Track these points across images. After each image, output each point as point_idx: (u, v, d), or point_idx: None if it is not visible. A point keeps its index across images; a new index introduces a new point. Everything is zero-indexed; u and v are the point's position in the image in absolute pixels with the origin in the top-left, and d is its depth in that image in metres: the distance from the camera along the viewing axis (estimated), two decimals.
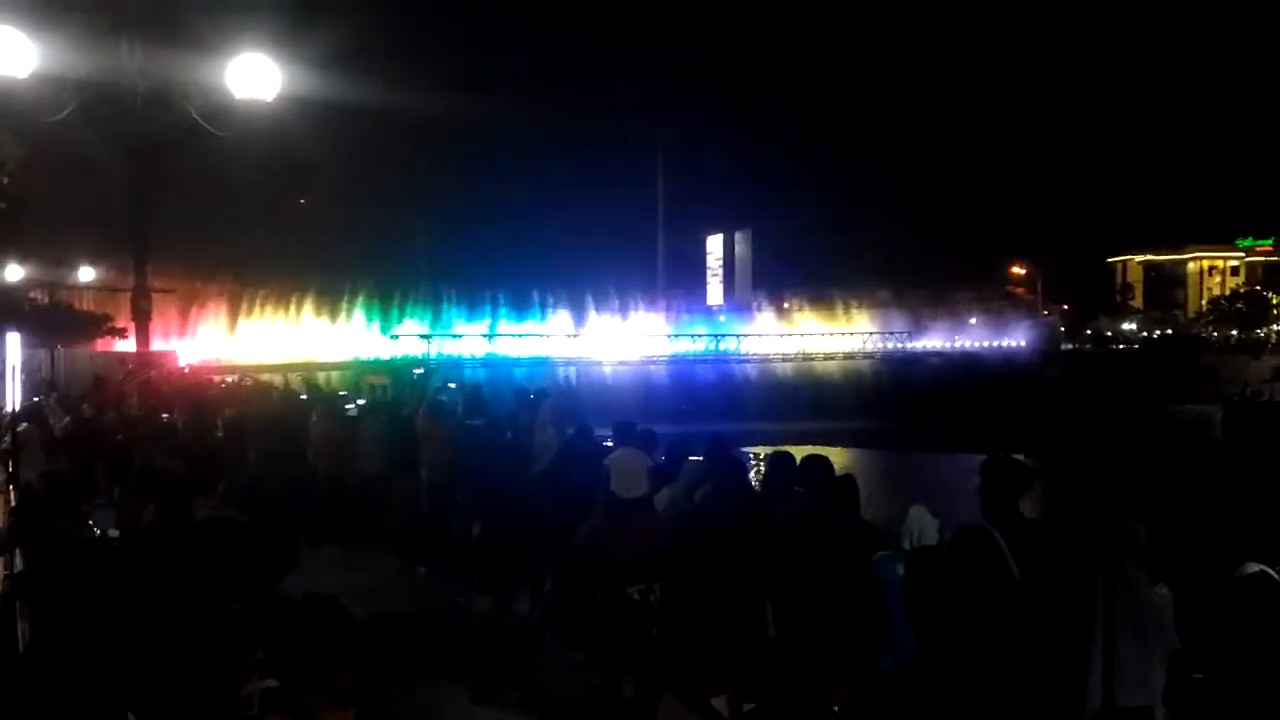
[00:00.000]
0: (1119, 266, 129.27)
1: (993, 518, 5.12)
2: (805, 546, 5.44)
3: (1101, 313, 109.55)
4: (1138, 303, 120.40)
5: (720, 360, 68.78)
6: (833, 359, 68.95)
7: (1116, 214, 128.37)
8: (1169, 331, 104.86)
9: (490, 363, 61.67)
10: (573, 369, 61.13)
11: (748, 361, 68.44)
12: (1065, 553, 4.90)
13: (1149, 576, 4.65)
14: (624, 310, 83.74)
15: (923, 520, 5.68)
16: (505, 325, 76.35)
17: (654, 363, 66.21)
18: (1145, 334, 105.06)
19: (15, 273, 23.26)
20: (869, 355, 70.39)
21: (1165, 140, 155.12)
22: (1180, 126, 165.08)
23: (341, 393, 22.96)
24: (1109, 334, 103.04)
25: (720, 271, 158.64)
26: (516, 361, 62.71)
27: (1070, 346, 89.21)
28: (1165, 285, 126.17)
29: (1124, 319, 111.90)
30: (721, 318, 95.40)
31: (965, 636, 4.68)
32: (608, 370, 62.58)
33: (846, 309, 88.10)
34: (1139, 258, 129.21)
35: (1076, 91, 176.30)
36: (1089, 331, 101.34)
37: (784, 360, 68.62)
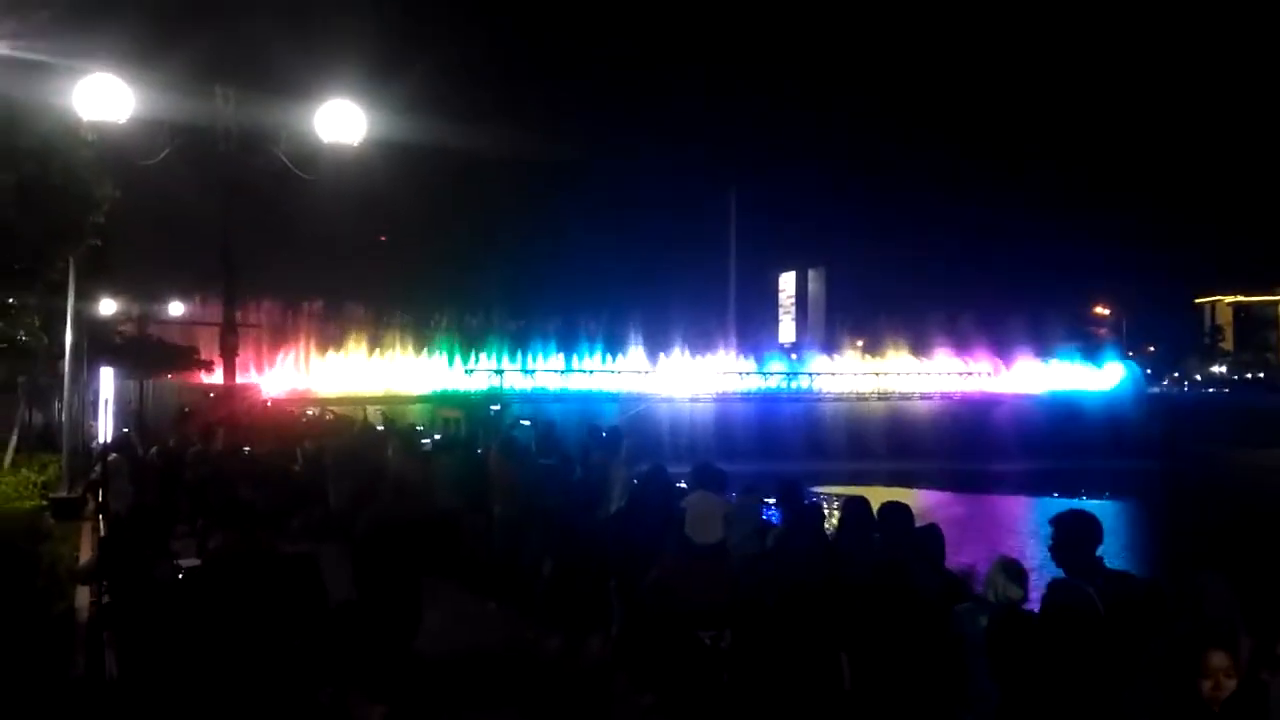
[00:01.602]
0: (1208, 308, 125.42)
1: (1075, 572, 4.94)
2: (884, 597, 5.32)
3: (1190, 355, 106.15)
4: (1227, 345, 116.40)
5: (793, 398, 68.13)
6: (908, 399, 67.83)
7: (1205, 253, 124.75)
8: (1260, 375, 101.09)
9: (563, 398, 62.02)
10: (644, 405, 61.14)
11: (821, 400, 67.66)
12: (1157, 612, 4.71)
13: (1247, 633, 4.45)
14: (695, 347, 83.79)
15: (1006, 572, 5.49)
16: (578, 361, 76.89)
17: (725, 400, 65.90)
18: (1235, 377, 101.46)
19: (108, 307, 24.12)
20: (946, 395, 69.09)
21: (1257, 178, 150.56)
22: (1273, 164, 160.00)
23: (418, 427, 23.31)
24: (1197, 377, 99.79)
25: (793, 309, 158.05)
26: (589, 397, 62.94)
27: (1156, 390, 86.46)
28: (1256, 327, 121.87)
29: (1213, 362, 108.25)
30: (794, 355, 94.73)
31: (1056, 695, 4.50)
32: (678, 407, 62.40)
33: (921, 348, 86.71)
34: (1228, 298, 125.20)
35: (1164, 128, 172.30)
36: (1176, 374, 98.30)
37: (859, 399, 67.71)
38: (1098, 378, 79.34)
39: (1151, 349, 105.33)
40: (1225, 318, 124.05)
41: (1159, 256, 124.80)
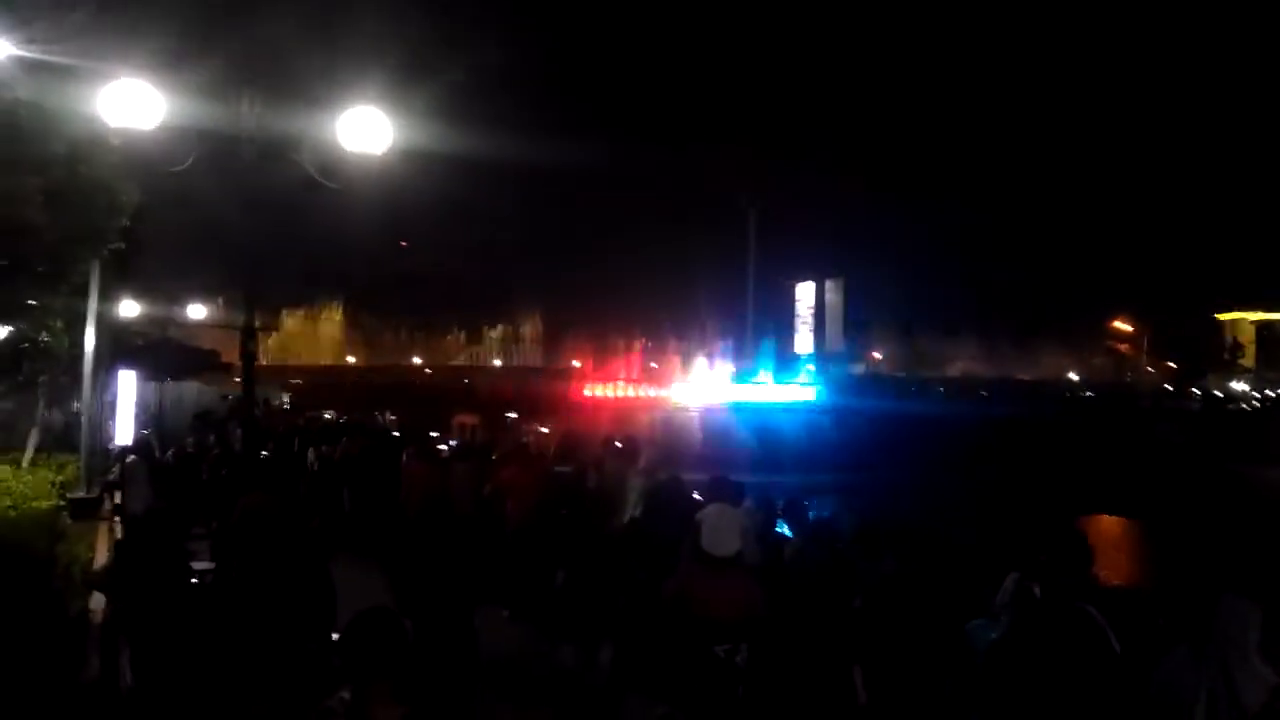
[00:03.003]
0: (1228, 324, 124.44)
1: (1075, 593, 4.75)
2: (898, 611, 5.30)
3: (1210, 371, 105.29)
4: (1248, 362, 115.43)
5: (809, 409, 67.91)
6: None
7: (1226, 269, 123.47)
8: None
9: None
10: (657, 414, 61.09)
11: (835, 411, 67.44)
12: (1169, 633, 4.63)
13: (1268, 663, 4.35)
14: (711, 356, 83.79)
15: (1019, 589, 5.45)
16: (595, 368, 77.09)
17: (740, 409, 65.81)
18: (1257, 394, 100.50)
19: (130, 309, 24.30)
20: (963, 408, 68.78)
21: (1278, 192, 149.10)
22: None
23: (433, 433, 23.39)
24: (1218, 394, 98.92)
25: (810, 319, 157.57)
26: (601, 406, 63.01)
27: (1171, 406, 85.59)
28: (1278, 344, 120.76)
29: (1234, 378, 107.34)
30: (810, 366, 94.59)
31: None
32: (693, 416, 62.34)
33: (940, 361, 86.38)
34: (1251, 315, 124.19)
35: (1182, 141, 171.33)
36: (1197, 391, 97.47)
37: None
38: (1117, 391, 78.60)
39: (1172, 364, 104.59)
40: (1247, 335, 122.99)
41: (1181, 272, 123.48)
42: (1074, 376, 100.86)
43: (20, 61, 9.88)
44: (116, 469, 15.06)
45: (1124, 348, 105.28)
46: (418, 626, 5.81)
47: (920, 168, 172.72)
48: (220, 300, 48.63)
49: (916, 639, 5.41)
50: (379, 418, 41.78)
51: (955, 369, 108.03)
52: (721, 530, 6.10)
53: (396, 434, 20.96)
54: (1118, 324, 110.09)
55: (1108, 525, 39.32)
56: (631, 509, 9.66)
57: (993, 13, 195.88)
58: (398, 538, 11.98)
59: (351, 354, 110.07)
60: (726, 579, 5.94)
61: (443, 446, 18.39)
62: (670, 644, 6.06)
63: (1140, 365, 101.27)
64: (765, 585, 6.21)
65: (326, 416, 33.49)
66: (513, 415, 57.27)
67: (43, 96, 10.41)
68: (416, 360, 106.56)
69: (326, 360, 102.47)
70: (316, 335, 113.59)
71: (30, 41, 9.88)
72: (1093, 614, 4.47)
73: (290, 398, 51.32)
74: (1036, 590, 4.89)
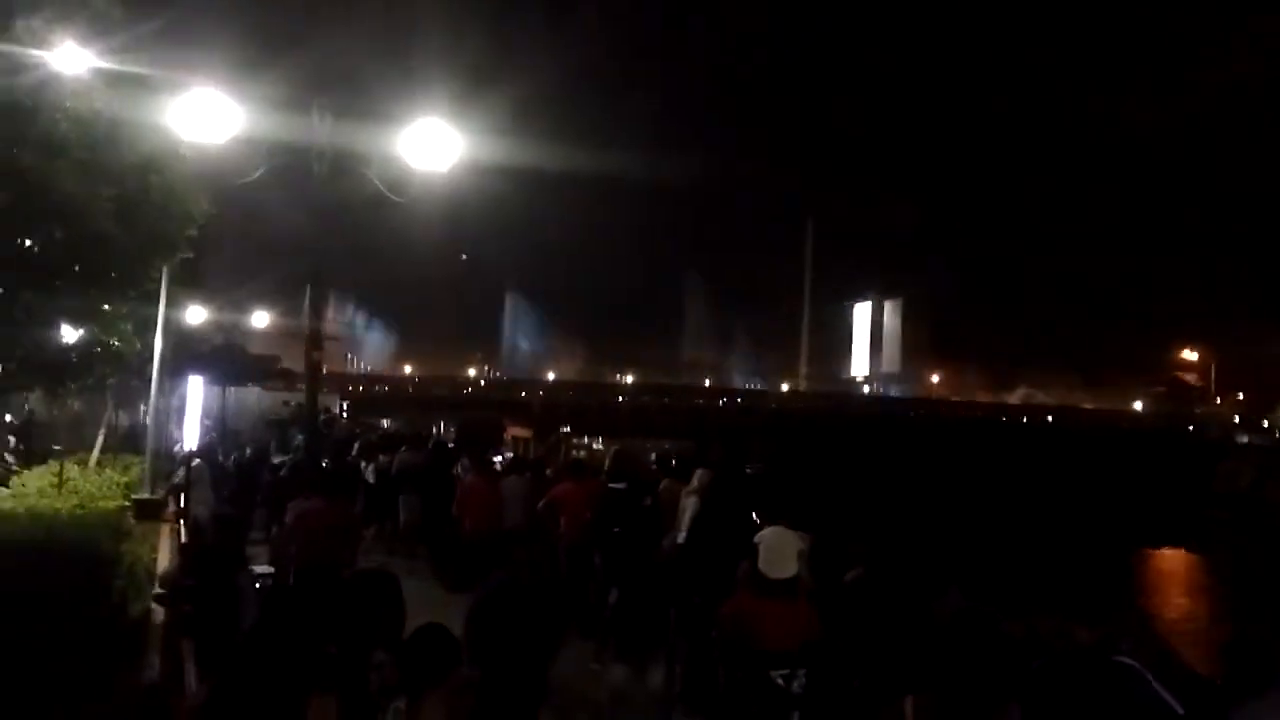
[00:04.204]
0: None
1: (1110, 645, 4.26)
2: (961, 645, 5.16)
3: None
4: None
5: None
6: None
7: None
8: None
9: None
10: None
11: (890, 436, 66.78)
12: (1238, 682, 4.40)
13: None
14: (766, 377, 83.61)
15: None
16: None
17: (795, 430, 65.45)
18: None
19: (197, 315, 24.83)
20: (1019, 436, 67.64)
21: None
22: None
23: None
24: None
25: (867, 341, 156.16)
26: None
27: (1245, 439, 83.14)
28: None
29: None
30: (867, 389, 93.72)
31: None
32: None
33: (998, 387, 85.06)
34: None
35: (1252, 168, 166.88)
36: (1265, 424, 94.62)
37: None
38: (1183, 423, 76.43)
39: (1240, 396, 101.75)
40: None
41: (1251, 300, 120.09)
42: (1138, 406, 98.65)
43: (97, 72, 10.14)
44: (181, 472, 15.35)
45: (1191, 378, 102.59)
46: (489, 668, 5.64)
47: (983, 191, 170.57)
48: (281, 308, 49.40)
49: (978, 675, 5.25)
50: (435, 430, 42.11)
51: (1017, 395, 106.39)
52: (779, 553, 6.02)
53: (451, 445, 21.08)
54: (1185, 353, 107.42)
55: (1170, 560, 38.34)
56: (685, 528, 9.57)
57: (1066, 43, 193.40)
58: (456, 555, 12.00)
59: (406, 364, 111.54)
60: (783, 603, 5.84)
61: (496, 459, 18.45)
62: (726, 667, 5.98)
63: (1208, 396, 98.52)
64: (822, 611, 6.11)
65: (384, 424, 33.84)
66: (565, 429, 57.46)
67: (118, 107, 10.68)
68: (470, 372, 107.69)
69: (380, 369, 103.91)
70: (371, 344, 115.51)
71: (108, 53, 10.15)
72: (1134, 668, 4.07)
73: (347, 406, 51.93)
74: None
